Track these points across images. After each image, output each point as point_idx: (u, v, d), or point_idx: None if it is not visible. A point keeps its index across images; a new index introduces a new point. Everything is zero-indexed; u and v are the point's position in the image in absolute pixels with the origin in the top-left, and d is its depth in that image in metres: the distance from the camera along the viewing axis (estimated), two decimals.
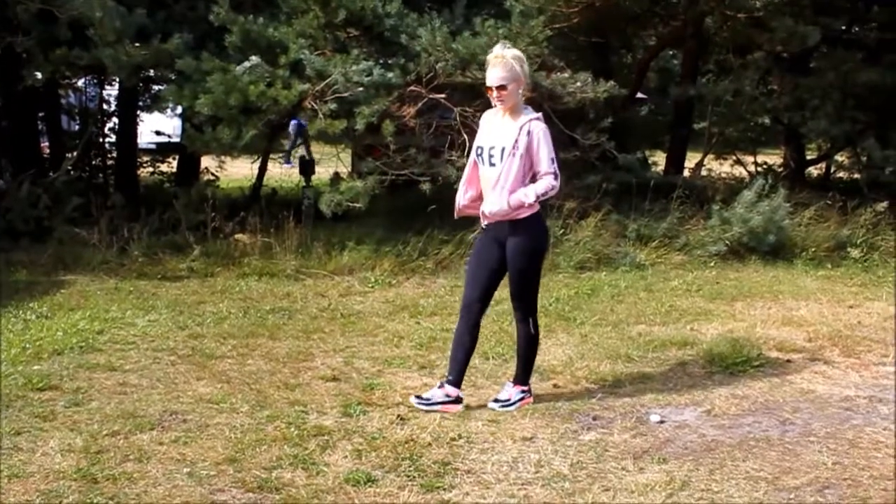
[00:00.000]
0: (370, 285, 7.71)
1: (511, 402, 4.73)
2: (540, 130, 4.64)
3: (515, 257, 4.66)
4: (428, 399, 4.70)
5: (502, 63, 4.65)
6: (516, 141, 4.61)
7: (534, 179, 4.63)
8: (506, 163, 4.61)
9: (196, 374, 5.09)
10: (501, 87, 4.62)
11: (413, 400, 4.69)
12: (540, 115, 4.75)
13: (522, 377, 4.85)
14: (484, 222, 4.75)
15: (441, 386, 4.73)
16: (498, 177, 4.61)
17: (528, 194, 4.60)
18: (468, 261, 4.84)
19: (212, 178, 12.30)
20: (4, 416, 4.39)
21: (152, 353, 5.36)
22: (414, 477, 3.84)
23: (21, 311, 6.33)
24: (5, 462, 3.90)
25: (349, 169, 10.63)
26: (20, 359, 5.19)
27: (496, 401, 4.74)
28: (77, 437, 4.15)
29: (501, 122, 4.71)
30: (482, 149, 4.71)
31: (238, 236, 8.51)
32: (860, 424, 4.58)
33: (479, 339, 4.75)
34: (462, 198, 4.80)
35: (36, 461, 3.92)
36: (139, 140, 12.88)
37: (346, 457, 4.00)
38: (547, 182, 4.62)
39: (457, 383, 4.73)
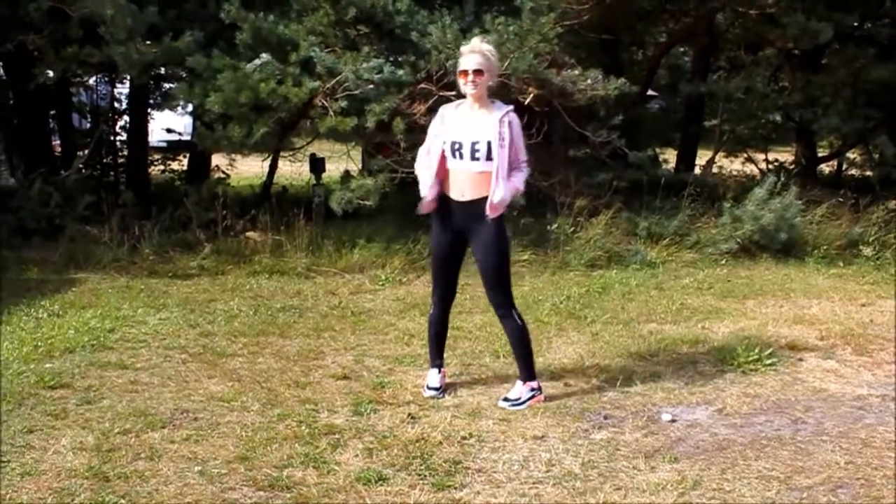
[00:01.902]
0: (380, 283, 7.71)
1: (521, 400, 4.73)
2: (517, 122, 4.80)
3: (492, 255, 4.75)
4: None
5: (480, 52, 4.78)
6: (501, 133, 4.70)
7: None
8: (500, 155, 4.67)
9: (207, 372, 5.09)
10: (478, 73, 4.73)
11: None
12: (512, 106, 4.86)
13: (527, 373, 4.86)
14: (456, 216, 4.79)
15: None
16: (497, 169, 4.67)
17: (519, 186, 4.79)
18: (435, 255, 4.87)
19: (222, 175, 12.33)
20: (17, 414, 4.40)
21: (163, 352, 5.37)
22: (425, 475, 3.83)
23: (33, 310, 6.34)
24: (17, 460, 3.91)
25: (359, 167, 10.63)
26: (32, 357, 5.21)
27: (506, 399, 4.74)
28: (89, 436, 4.16)
29: (475, 115, 4.80)
30: (459, 143, 4.76)
31: (249, 234, 8.52)
32: (873, 423, 4.56)
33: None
34: (431, 192, 4.80)
35: (48, 459, 3.93)
36: (150, 138, 12.92)
37: (356, 455, 4.00)
38: (525, 173, 4.85)
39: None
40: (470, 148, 4.75)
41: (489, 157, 4.68)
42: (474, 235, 4.74)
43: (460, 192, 4.75)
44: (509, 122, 4.71)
